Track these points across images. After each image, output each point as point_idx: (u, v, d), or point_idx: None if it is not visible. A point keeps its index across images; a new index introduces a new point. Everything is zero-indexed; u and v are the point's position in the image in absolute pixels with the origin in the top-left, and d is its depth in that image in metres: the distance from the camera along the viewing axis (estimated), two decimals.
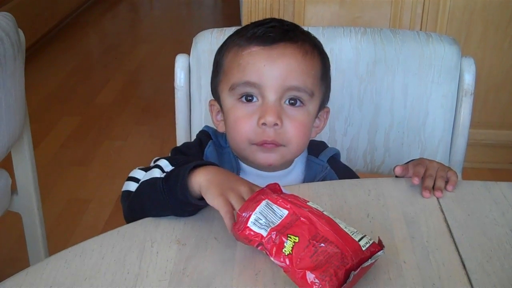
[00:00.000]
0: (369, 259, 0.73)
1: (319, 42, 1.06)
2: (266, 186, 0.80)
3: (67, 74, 3.75)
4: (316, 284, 0.70)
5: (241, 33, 1.03)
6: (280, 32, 0.99)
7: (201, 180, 0.85)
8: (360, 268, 0.72)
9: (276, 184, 0.81)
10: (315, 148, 1.11)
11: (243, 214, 0.77)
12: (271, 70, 0.97)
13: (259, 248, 0.75)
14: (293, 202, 0.76)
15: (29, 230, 1.65)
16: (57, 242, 1.97)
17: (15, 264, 2.04)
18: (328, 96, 1.09)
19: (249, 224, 0.76)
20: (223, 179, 0.86)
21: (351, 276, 0.70)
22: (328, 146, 1.15)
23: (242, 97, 0.99)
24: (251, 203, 0.78)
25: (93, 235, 0.86)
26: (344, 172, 1.11)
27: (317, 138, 1.34)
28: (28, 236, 1.66)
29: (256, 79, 0.98)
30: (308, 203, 0.77)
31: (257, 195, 0.78)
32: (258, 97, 0.98)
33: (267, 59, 0.98)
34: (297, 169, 1.08)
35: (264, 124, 0.96)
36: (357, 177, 1.11)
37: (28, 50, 1.48)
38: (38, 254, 1.67)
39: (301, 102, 0.99)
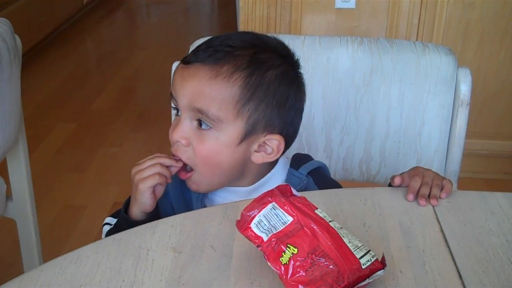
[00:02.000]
0: (367, 279, 0.72)
1: (261, 65, 0.99)
2: (276, 187, 0.80)
3: (63, 80, 3.75)
4: None
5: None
6: (202, 52, 0.99)
7: (132, 208, 1.03)
8: (355, 287, 0.72)
9: (287, 185, 0.81)
10: (298, 161, 1.11)
11: (248, 213, 0.77)
12: (182, 89, 0.99)
13: (258, 248, 0.75)
14: (300, 209, 0.76)
15: (24, 236, 1.64)
16: (51, 248, 1.96)
17: (9, 270, 2.03)
18: (278, 124, 1.01)
19: (252, 225, 0.75)
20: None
21: None
22: (312, 159, 1.13)
23: (174, 107, 1.03)
24: (257, 204, 0.77)
25: (87, 242, 0.85)
26: (327, 185, 1.09)
27: (313, 150, 1.35)
28: (22, 242, 1.65)
29: (175, 93, 1.00)
30: (315, 211, 0.76)
31: (265, 196, 0.78)
32: (179, 111, 1.01)
33: (179, 78, 1.00)
34: (276, 181, 1.07)
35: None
36: None
37: (24, 56, 1.47)
38: (32, 260, 1.67)
39: (208, 125, 0.98)
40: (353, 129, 1.33)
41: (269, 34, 1.09)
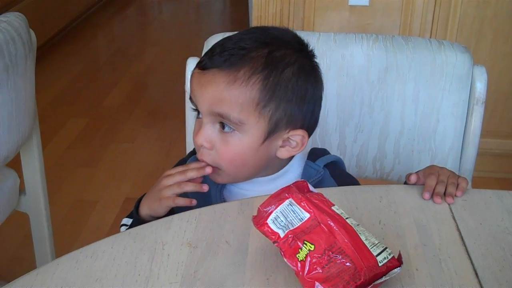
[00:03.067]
0: (383, 276, 0.72)
1: (277, 64, 0.98)
2: (293, 183, 0.80)
3: (75, 76, 3.76)
4: None
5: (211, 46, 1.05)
6: (218, 57, 0.98)
7: (143, 209, 1.02)
8: (372, 285, 0.71)
9: (304, 181, 0.81)
10: (315, 154, 1.11)
11: (265, 209, 0.77)
12: (201, 95, 0.99)
13: (274, 244, 0.75)
14: (317, 205, 0.75)
15: (36, 230, 1.65)
16: (63, 243, 1.97)
17: (21, 264, 2.05)
18: (300, 119, 1.01)
19: (268, 221, 0.75)
20: (149, 194, 1.03)
21: None
22: (329, 153, 1.14)
23: (194, 109, 1.03)
24: (274, 200, 0.77)
25: (99, 237, 0.86)
26: (344, 178, 1.10)
27: (327, 147, 1.34)
28: (35, 236, 1.66)
29: (194, 99, 1.01)
30: (332, 208, 0.76)
31: (281, 192, 0.78)
32: (201, 114, 1.01)
33: (197, 84, 1.00)
34: (293, 173, 1.08)
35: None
36: (359, 185, 1.11)
37: (37, 51, 1.48)
38: (44, 255, 1.67)
39: (231, 128, 0.98)
40: (367, 127, 1.33)
41: (280, 27, 1.08)
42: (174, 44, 4.34)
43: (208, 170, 1.00)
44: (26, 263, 1.98)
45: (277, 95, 0.98)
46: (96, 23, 4.78)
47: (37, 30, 1.50)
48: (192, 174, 1.00)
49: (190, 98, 1.02)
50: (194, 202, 0.99)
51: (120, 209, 2.39)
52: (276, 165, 1.06)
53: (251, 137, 0.98)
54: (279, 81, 0.98)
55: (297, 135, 1.02)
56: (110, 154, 2.83)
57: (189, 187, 1.00)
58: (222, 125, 0.98)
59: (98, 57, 4.28)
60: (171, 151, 2.76)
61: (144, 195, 1.06)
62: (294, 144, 1.02)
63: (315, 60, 1.05)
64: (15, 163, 1.56)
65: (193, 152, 1.12)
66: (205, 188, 1.00)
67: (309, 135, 1.05)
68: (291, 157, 1.08)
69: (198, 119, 1.02)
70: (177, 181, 1.00)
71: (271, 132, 0.99)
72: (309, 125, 1.04)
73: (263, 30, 1.05)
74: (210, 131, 0.99)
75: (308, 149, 1.12)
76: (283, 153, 1.03)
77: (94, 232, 2.24)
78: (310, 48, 1.05)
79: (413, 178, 1.00)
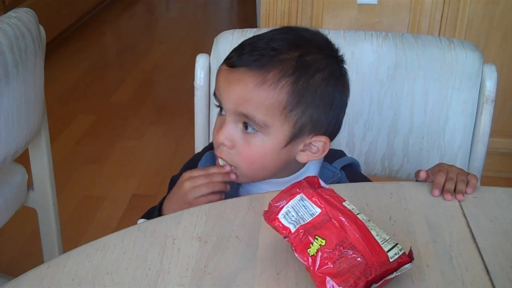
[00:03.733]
0: (394, 272, 0.72)
1: (308, 69, 0.97)
2: (304, 178, 0.80)
3: (83, 72, 3.76)
4: None
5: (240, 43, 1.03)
6: (247, 56, 0.97)
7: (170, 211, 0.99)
8: (383, 280, 0.71)
9: (315, 177, 0.81)
10: (332, 155, 1.10)
11: (276, 204, 0.77)
12: (227, 93, 0.98)
13: (285, 240, 0.75)
14: (328, 200, 0.75)
15: (44, 225, 1.66)
16: (70, 238, 1.97)
17: (29, 259, 2.05)
18: (325, 125, 1.01)
19: (279, 216, 0.75)
20: (172, 198, 1.02)
21: None
22: (345, 155, 1.13)
23: (218, 105, 1.02)
24: (285, 195, 0.77)
25: (106, 233, 0.85)
26: (359, 181, 1.09)
27: (336, 145, 1.34)
28: (43, 231, 1.67)
29: (219, 95, 1.00)
30: (343, 203, 0.76)
31: (292, 187, 0.78)
32: (224, 111, 1.00)
33: (224, 81, 0.98)
34: (310, 174, 1.07)
35: None
36: None
37: (45, 47, 1.48)
38: (52, 250, 1.68)
39: (254, 129, 0.97)
40: (376, 124, 1.32)
41: (311, 28, 1.06)
42: (181, 42, 4.34)
43: (233, 176, 1.00)
44: (34, 258, 1.99)
45: (305, 100, 0.96)
46: (105, 20, 4.79)
47: (46, 27, 1.50)
48: (218, 178, 0.99)
49: (214, 94, 1.01)
50: (223, 196, 1.00)
51: (127, 205, 2.39)
52: (293, 167, 1.05)
53: (274, 140, 0.97)
54: (308, 86, 0.96)
55: (320, 141, 1.00)
56: (118, 151, 2.83)
57: (218, 187, 0.99)
58: (245, 125, 0.97)
59: (106, 54, 4.28)
60: (178, 148, 2.77)
61: (163, 200, 1.05)
62: (315, 150, 1.01)
63: (344, 66, 1.04)
64: (23, 159, 1.56)
65: (209, 148, 1.12)
66: (232, 178, 1.00)
67: (331, 140, 1.04)
68: None
69: (221, 116, 1.01)
70: (203, 183, 0.99)
71: (294, 137, 0.98)
72: (332, 131, 1.03)
73: (295, 31, 1.04)
74: (233, 130, 0.98)
75: None
76: (303, 158, 1.02)
77: (102, 228, 2.25)
78: (340, 53, 1.04)
79: (422, 175, 0.99)
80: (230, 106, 0.97)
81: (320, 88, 0.97)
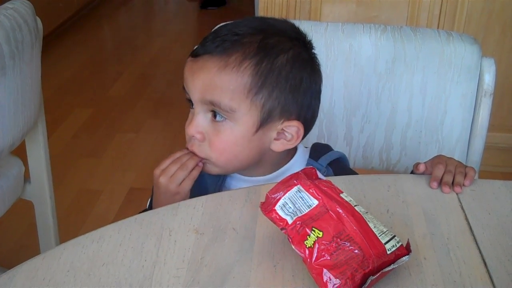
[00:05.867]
0: (392, 264, 0.72)
1: (271, 51, 0.96)
2: (302, 170, 0.80)
3: (81, 65, 3.75)
4: (330, 283, 0.69)
5: None
6: (210, 43, 0.96)
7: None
8: (380, 272, 0.71)
9: (312, 168, 0.80)
10: (318, 151, 1.09)
11: (273, 196, 0.76)
12: (192, 83, 0.97)
13: (282, 231, 0.74)
14: (326, 192, 0.75)
15: (41, 218, 1.65)
16: (67, 231, 1.97)
17: (25, 252, 2.05)
18: (295, 109, 0.99)
19: (277, 207, 0.75)
20: (158, 198, 1.01)
21: (368, 281, 0.69)
22: (332, 150, 1.11)
23: (188, 99, 1.01)
24: (282, 186, 0.77)
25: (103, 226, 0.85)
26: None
27: (333, 138, 1.34)
28: (39, 224, 1.66)
29: (186, 87, 0.99)
30: (341, 195, 0.76)
31: (290, 178, 0.78)
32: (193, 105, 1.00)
33: (189, 72, 0.98)
34: (295, 171, 1.06)
35: None
36: None
37: (42, 40, 1.47)
38: (49, 243, 1.67)
39: (222, 116, 0.96)
40: (374, 117, 1.32)
41: (279, 18, 1.06)
42: (179, 35, 4.33)
43: (200, 164, 1.00)
44: (30, 251, 1.98)
45: (270, 82, 0.95)
46: (102, 14, 4.78)
47: (43, 20, 1.49)
48: (187, 158, 0.99)
49: (183, 88, 1.00)
50: (201, 165, 1.00)
51: (125, 198, 2.39)
52: (272, 160, 1.04)
53: (242, 126, 0.96)
54: (271, 67, 0.95)
55: (292, 127, 0.99)
56: (115, 144, 2.83)
57: (192, 164, 0.99)
58: (214, 114, 0.97)
59: (103, 47, 4.27)
60: (176, 142, 2.76)
61: (149, 205, 1.06)
62: (290, 137, 1.00)
63: (314, 52, 1.03)
64: (20, 151, 1.56)
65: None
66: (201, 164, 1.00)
67: (307, 129, 1.02)
68: (291, 154, 1.06)
69: (191, 110, 1.01)
70: (176, 168, 0.99)
71: (264, 122, 0.97)
72: (306, 118, 1.01)
73: (260, 19, 1.04)
74: (202, 120, 0.98)
75: (310, 143, 1.11)
76: (277, 146, 1.00)
77: (99, 222, 2.24)
78: (309, 39, 1.03)
79: (421, 167, 0.99)
80: (196, 96, 0.97)
81: (285, 70, 0.96)
